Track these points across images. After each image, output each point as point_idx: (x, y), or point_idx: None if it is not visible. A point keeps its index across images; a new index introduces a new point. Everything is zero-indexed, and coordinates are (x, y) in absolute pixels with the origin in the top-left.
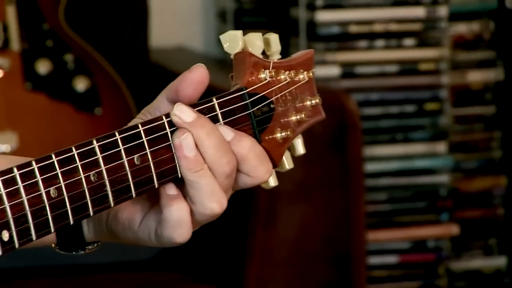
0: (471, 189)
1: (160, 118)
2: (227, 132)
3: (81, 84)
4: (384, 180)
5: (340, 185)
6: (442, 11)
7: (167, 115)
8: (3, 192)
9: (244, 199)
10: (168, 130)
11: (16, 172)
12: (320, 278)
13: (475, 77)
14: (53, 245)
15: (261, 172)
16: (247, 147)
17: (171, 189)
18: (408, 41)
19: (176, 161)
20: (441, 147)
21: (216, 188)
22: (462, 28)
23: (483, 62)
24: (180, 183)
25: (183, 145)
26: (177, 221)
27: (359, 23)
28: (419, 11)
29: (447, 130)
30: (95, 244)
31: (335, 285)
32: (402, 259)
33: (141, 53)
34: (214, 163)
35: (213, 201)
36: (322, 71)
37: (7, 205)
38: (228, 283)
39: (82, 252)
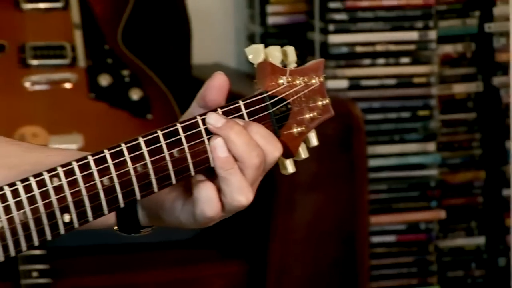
0: (455, 181)
1: (194, 118)
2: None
3: (135, 95)
4: (383, 173)
5: (347, 177)
6: (432, 34)
7: (200, 115)
8: (64, 181)
9: (268, 189)
10: (201, 128)
11: (74, 164)
12: (330, 254)
13: (459, 89)
14: (115, 227)
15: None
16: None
17: (199, 176)
18: (404, 59)
19: (209, 154)
20: (431, 146)
21: (244, 184)
22: (448, 49)
23: (466, 77)
24: (214, 177)
25: (217, 147)
26: (206, 198)
27: (363, 45)
28: (413, 35)
29: (435, 132)
30: (149, 228)
31: (343, 260)
32: (398, 239)
33: (185, 68)
34: (245, 157)
35: (240, 194)
36: (333, 84)
37: (67, 192)
38: (254, 258)
39: (138, 234)
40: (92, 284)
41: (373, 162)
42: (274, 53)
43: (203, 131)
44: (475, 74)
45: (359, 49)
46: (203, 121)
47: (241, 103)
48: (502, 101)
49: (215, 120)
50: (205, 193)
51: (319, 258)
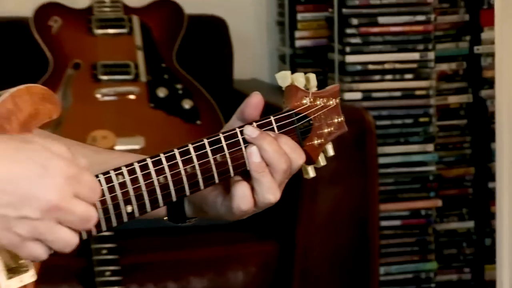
0: (450, 176)
1: (234, 129)
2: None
3: (187, 104)
4: (390, 169)
5: (361, 172)
6: (431, 55)
7: (239, 127)
8: (127, 178)
9: (296, 183)
10: (239, 137)
11: (136, 165)
12: (347, 236)
13: (453, 100)
14: (165, 218)
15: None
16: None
17: (237, 177)
18: (408, 75)
19: (246, 159)
20: (429, 147)
21: (273, 185)
22: (444, 67)
23: (458, 90)
24: (249, 178)
25: (252, 154)
26: (242, 195)
27: (374, 63)
28: (415, 55)
29: (433, 135)
30: (193, 219)
31: (357, 241)
32: (403, 223)
33: (227, 83)
34: (274, 163)
35: (270, 194)
36: (349, 96)
37: (130, 187)
38: (284, 239)
39: (184, 224)
40: (151, 260)
41: (382, 160)
42: (299, 79)
43: (241, 141)
44: (466, 87)
45: (370, 67)
46: (241, 132)
47: (272, 118)
48: (488, 110)
49: (251, 131)
50: (241, 191)
51: (337, 239)
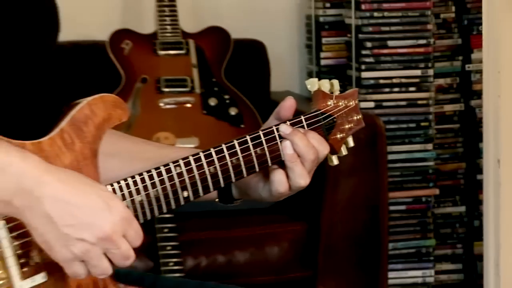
0: (445, 169)
1: (271, 127)
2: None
3: (233, 111)
4: (397, 164)
5: (373, 167)
6: (430, 72)
7: (275, 125)
8: (183, 169)
9: (321, 175)
10: (275, 134)
11: (191, 158)
12: (362, 218)
13: (448, 108)
14: (216, 200)
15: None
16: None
17: (274, 166)
18: (411, 88)
19: (281, 151)
20: (429, 146)
21: (303, 172)
22: (441, 81)
23: (453, 100)
24: (284, 167)
25: (286, 147)
26: (279, 180)
27: (384, 78)
28: (417, 72)
29: (432, 137)
30: (239, 200)
31: (370, 222)
32: (407, 207)
33: (265, 94)
34: (304, 154)
35: (301, 179)
36: (364, 105)
37: (186, 176)
38: (311, 220)
39: (232, 204)
40: (203, 237)
41: (390, 157)
42: (325, 84)
43: (276, 136)
44: (459, 98)
45: (381, 81)
46: (277, 129)
47: (302, 117)
48: (477, 116)
49: (285, 129)
50: (278, 177)
51: (354, 220)
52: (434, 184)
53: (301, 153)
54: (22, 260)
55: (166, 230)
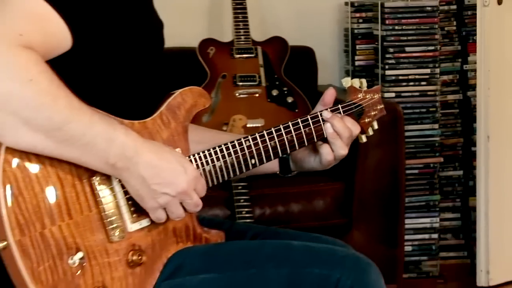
0: (448, 143)
1: (316, 113)
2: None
3: (289, 99)
4: (412, 139)
5: (394, 141)
6: (437, 70)
7: (320, 111)
8: (251, 143)
9: (354, 148)
10: (320, 118)
11: (257, 135)
12: (385, 179)
13: (450, 97)
14: (277, 172)
15: (355, 130)
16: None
17: (320, 142)
18: (423, 83)
19: (324, 131)
20: (435, 126)
21: (343, 145)
22: (445, 77)
23: (454, 91)
24: (327, 142)
25: (327, 128)
26: (326, 152)
27: (403, 75)
28: (427, 71)
29: (438, 119)
30: (295, 172)
31: (392, 182)
32: (419, 171)
33: (314, 87)
34: (342, 133)
35: (342, 150)
36: (387, 95)
37: (253, 148)
38: (348, 180)
39: (290, 175)
40: (268, 192)
41: (407, 134)
42: (355, 82)
43: (320, 120)
44: (458, 90)
45: (400, 77)
46: (321, 114)
47: (340, 106)
48: (472, 104)
49: (326, 114)
50: (326, 150)
51: (380, 181)
52: (439, 154)
53: (339, 131)
54: (132, 209)
55: (240, 187)
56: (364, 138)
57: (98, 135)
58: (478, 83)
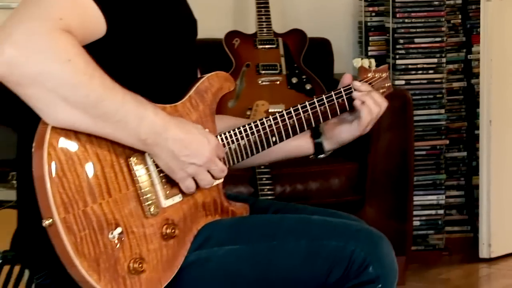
0: (453, 127)
1: (339, 89)
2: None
3: (308, 86)
4: (420, 123)
5: (404, 125)
6: (443, 60)
7: (344, 88)
8: (272, 122)
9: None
10: (343, 93)
11: (277, 115)
12: (396, 160)
13: (456, 85)
14: (310, 156)
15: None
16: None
17: (345, 114)
18: (430, 71)
19: (346, 102)
20: (442, 111)
21: (377, 99)
22: (450, 66)
23: (459, 79)
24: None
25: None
26: (367, 111)
27: (412, 65)
28: (435, 60)
29: (444, 104)
30: (328, 152)
31: (402, 162)
32: (427, 152)
33: (330, 75)
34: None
35: (376, 106)
36: (397, 82)
37: (274, 127)
38: (361, 161)
39: (322, 156)
40: (287, 172)
41: (415, 118)
42: (365, 62)
43: (344, 95)
44: (463, 78)
45: (410, 66)
46: (344, 89)
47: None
48: (475, 90)
49: (356, 84)
50: (365, 110)
51: (390, 161)
52: (445, 136)
53: (367, 90)
54: (165, 186)
55: (262, 166)
56: None
57: (130, 113)
58: (481, 71)
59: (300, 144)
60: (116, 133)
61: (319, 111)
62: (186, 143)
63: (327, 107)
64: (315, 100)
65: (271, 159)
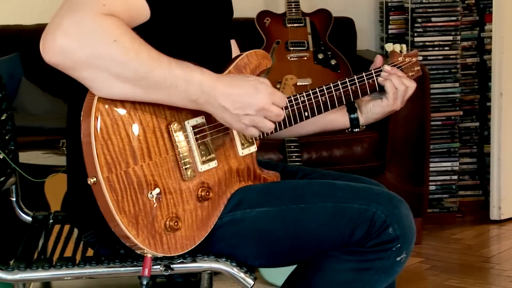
0: (466, 99)
1: (370, 71)
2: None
3: (333, 62)
4: (436, 95)
5: (421, 97)
6: (458, 37)
7: (374, 69)
8: (305, 98)
9: None
10: (373, 74)
11: (310, 92)
12: (414, 129)
13: (469, 60)
14: (347, 130)
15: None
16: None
17: (376, 93)
18: (446, 48)
19: (376, 83)
20: (456, 84)
21: (404, 80)
22: (464, 44)
23: (472, 55)
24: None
25: (384, 80)
26: (390, 87)
27: (429, 42)
28: (450, 38)
29: (458, 78)
30: (364, 127)
31: (419, 132)
32: (442, 123)
33: (353, 51)
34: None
35: (402, 85)
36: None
37: (306, 103)
38: (382, 130)
39: (358, 129)
40: (314, 140)
41: (432, 91)
42: (396, 47)
43: (374, 75)
44: (476, 54)
45: (427, 43)
46: (375, 72)
47: (382, 67)
48: (487, 66)
49: (386, 67)
50: (389, 85)
51: (409, 130)
52: (459, 108)
53: (394, 79)
54: (202, 152)
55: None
56: None
57: (178, 78)
58: (493, 48)
59: (336, 119)
60: (170, 98)
61: (350, 90)
62: (235, 97)
63: (358, 87)
64: (347, 80)
65: (308, 132)
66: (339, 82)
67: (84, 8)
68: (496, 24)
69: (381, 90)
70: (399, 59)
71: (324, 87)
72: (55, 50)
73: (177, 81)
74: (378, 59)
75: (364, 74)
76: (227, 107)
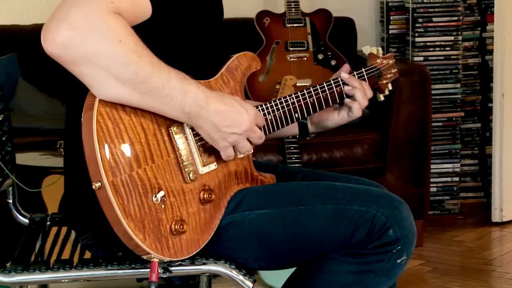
0: (468, 100)
1: (337, 78)
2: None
3: (333, 62)
4: (437, 96)
5: (423, 97)
6: (459, 37)
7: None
8: (295, 100)
9: (388, 103)
10: (340, 82)
11: (299, 93)
12: (415, 130)
13: (471, 61)
14: (297, 136)
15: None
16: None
17: (345, 103)
18: (447, 48)
19: (343, 93)
20: (458, 85)
21: (359, 107)
22: (466, 44)
23: (474, 56)
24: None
25: (346, 89)
26: (356, 108)
27: (430, 42)
28: (451, 38)
29: (460, 79)
30: (313, 135)
31: (420, 133)
32: (443, 124)
33: (353, 52)
34: (360, 92)
35: (358, 112)
36: (416, 59)
37: (296, 104)
38: (383, 131)
39: (308, 138)
40: (314, 141)
41: (433, 92)
42: (374, 49)
43: (341, 83)
44: (478, 54)
45: (428, 44)
46: (341, 81)
47: (363, 69)
48: (489, 66)
49: (344, 75)
50: (356, 105)
51: (410, 131)
52: (460, 109)
53: (354, 86)
54: (202, 154)
55: (290, 136)
56: (381, 97)
57: (175, 88)
58: (494, 48)
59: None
60: (162, 107)
61: (328, 93)
62: (227, 114)
63: (335, 90)
64: (324, 84)
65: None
66: (324, 84)
67: (92, 3)
68: (498, 24)
69: (342, 101)
70: (377, 61)
71: (311, 89)
72: (58, 42)
73: (173, 91)
74: (345, 68)
75: (339, 78)
76: (217, 124)
